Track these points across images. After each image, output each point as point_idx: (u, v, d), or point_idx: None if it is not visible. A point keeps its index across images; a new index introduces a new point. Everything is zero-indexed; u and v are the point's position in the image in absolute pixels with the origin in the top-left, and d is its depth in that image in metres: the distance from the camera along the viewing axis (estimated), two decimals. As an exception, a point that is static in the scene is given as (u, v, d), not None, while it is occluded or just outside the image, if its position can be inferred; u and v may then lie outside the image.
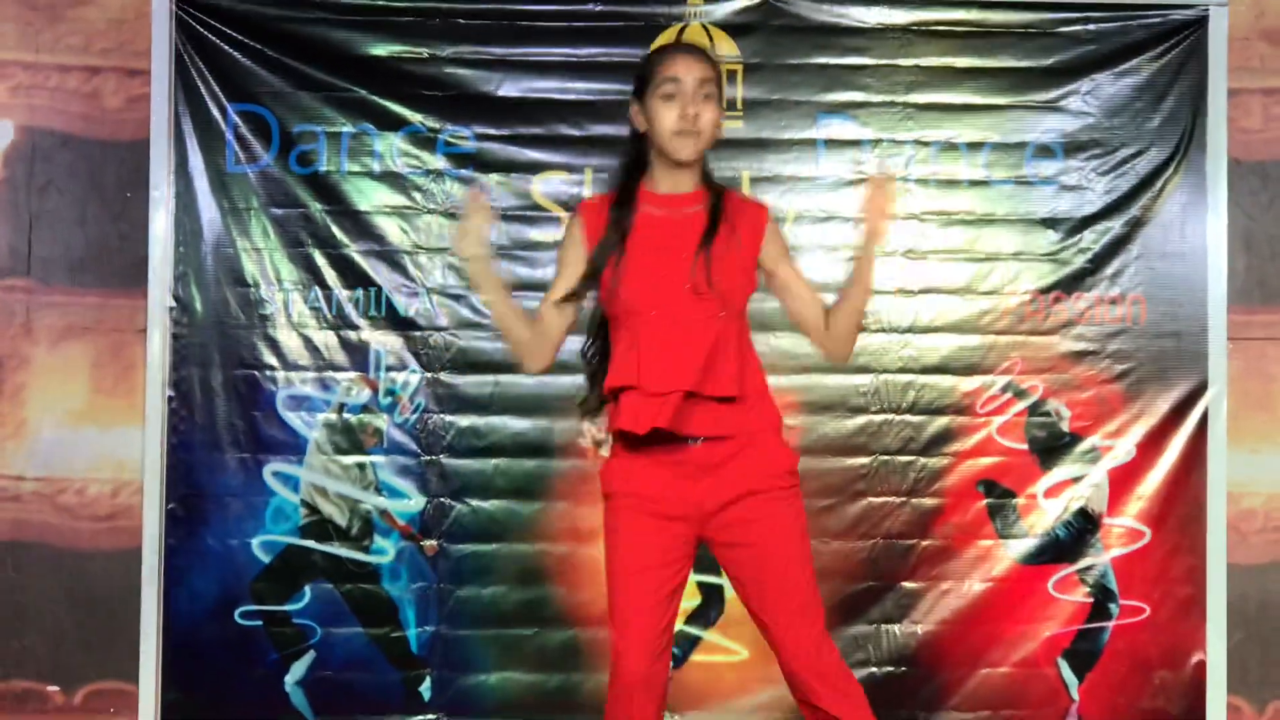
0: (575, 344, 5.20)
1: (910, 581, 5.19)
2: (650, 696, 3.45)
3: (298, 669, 5.11)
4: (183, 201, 5.12)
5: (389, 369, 5.14)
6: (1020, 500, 5.19)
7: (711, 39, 5.19)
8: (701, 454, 3.43)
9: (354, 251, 5.16)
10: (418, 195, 5.17)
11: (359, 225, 5.16)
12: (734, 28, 5.22)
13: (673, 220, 3.45)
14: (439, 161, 5.16)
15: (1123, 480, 5.19)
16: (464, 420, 5.15)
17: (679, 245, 3.42)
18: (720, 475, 3.43)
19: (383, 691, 5.12)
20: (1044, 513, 5.20)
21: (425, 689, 5.12)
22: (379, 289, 5.15)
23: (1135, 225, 5.22)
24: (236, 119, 5.13)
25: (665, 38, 5.15)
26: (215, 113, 5.14)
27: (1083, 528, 5.21)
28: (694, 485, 3.43)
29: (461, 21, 5.15)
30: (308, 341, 5.14)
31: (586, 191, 5.13)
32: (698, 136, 3.40)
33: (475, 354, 5.15)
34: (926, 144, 5.23)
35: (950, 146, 5.21)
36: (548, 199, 5.19)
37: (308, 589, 5.11)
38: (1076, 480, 5.20)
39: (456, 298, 5.15)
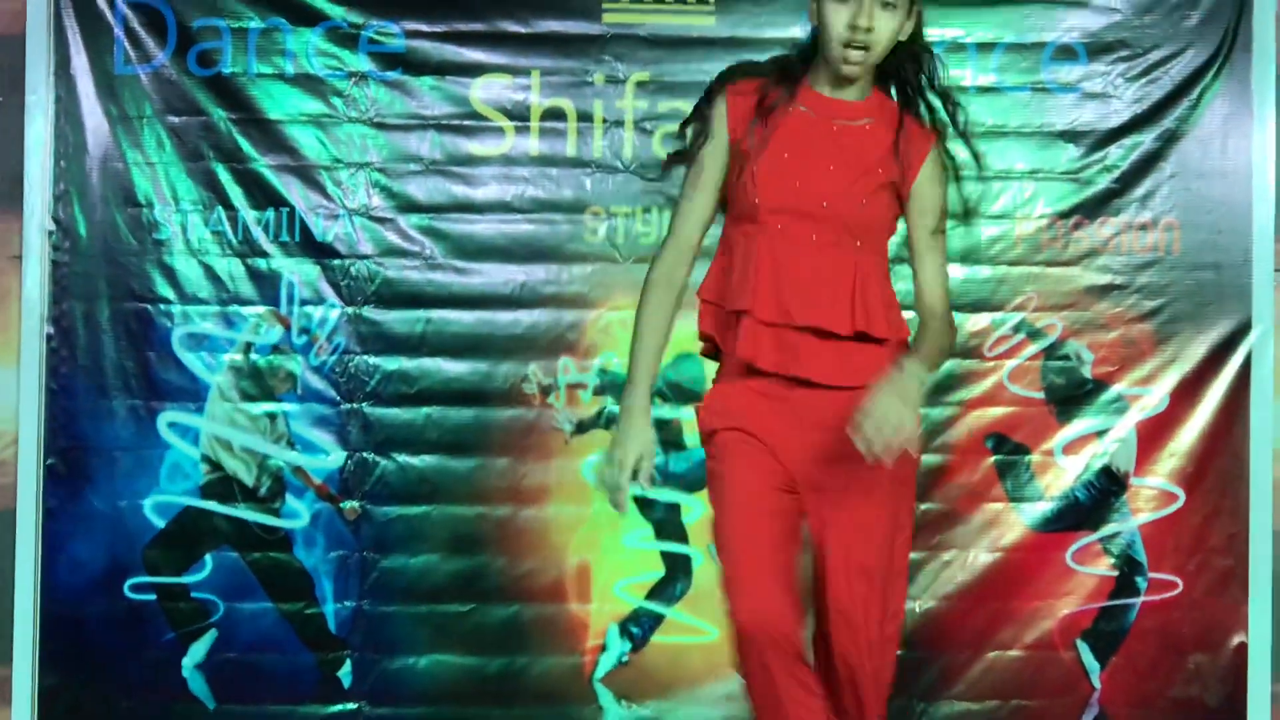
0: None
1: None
2: (790, 651, 3.10)
3: (197, 650, 4.91)
4: (64, 107, 4.94)
5: (303, 303, 4.94)
6: (1035, 457, 5.01)
7: (682, -78, 5.09)
8: (821, 401, 3.18)
9: (263, 166, 4.95)
10: (338, 101, 4.96)
11: (269, 136, 4.95)
12: (706, -90, 5.13)
13: (827, 127, 3.23)
14: (362, 63, 4.95)
15: (1153, 434, 5.02)
16: (390, 363, 4.95)
17: (827, 157, 3.21)
18: (835, 432, 3.13)
19: (295, 676, 4.93)
20: (1062, 472, 5.02)
21: (344, 673, 4.93)
22: (292, 210, 4.93)
23: (1169, 140, 5.03)
24: (126, 11, 4.91)
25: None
26: (102, 4, 4.92)
27: (1106, 489, 5.02)
28: (802, 436, 3.19)
29: (389, -101, 5.08)
30: (209, 270, 4.92)
31: (534, 98, 5.02)
32: (867, 52, 3.15)
33: (403, 286, 4.96)
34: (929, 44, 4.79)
35: (957, 47, 4.98)
36: (489, 106, 4.97)
37: (209, 558, 4.93)
38: (1100, 434, 5.01)
39: (381, 221, 4.96)
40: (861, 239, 3.20)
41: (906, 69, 3.27)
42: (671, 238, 3.32)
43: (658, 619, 4.96)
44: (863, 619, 3.19)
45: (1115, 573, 4.99)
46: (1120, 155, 4.98)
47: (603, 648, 4.90)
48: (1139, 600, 4.98)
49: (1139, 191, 4.98)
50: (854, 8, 3.12)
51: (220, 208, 4.89)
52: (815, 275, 3.15)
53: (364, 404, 4.90)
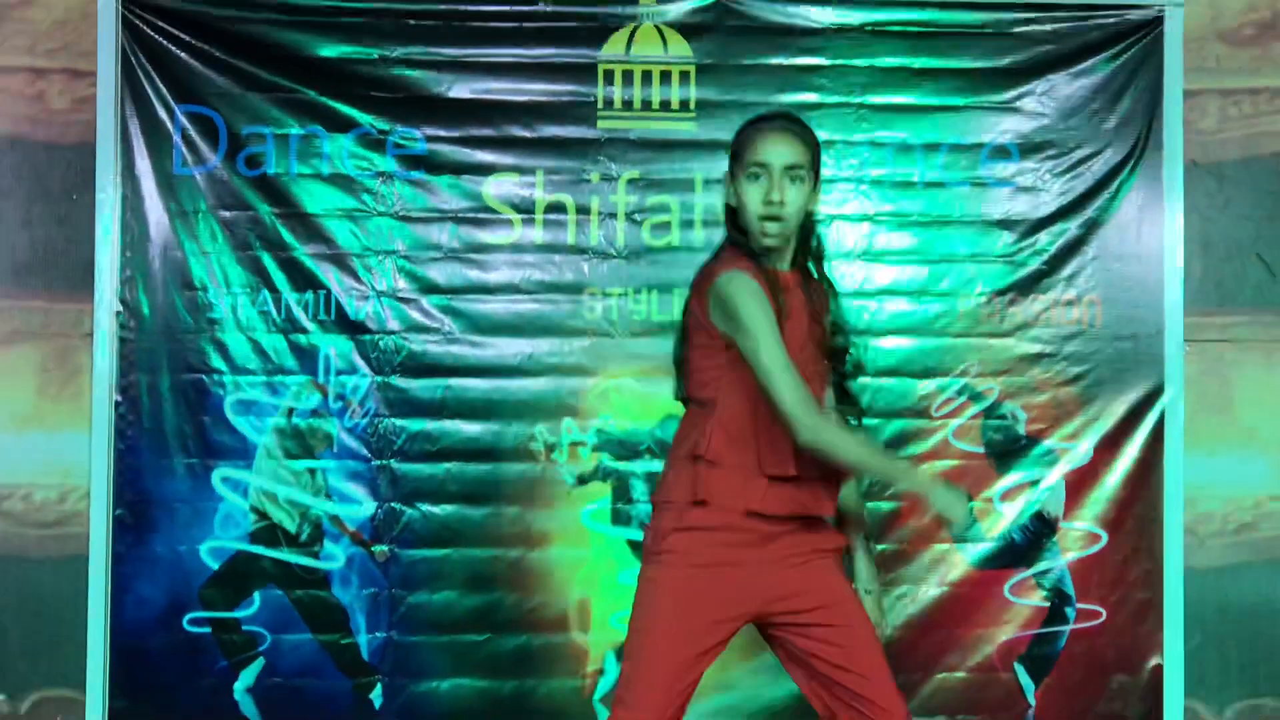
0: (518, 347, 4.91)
1: (865, 586, 5.13)
2: None
3: (247, 676, 5.05)
4: (129, 204, 5.07)
5: (339, 373, 5.09)
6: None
7: (664, 39, 5.19)
8: (814, 526, 3.41)
9: (303, 254, 5.11)
10: (368, 197, 5.12)
11: (308, 228, 5.11)
12: (687, 28, 5.19)
13: (791, 298, 3.39)
14: (389, 163, 5.12)
15: (1079, 484, 5.18)
16: (415, 424, 5.11)
17: (802, 321, 3.39)
18: (820, 554, 3.41)
19: (333, 699, 5.07)
20: (1000, 516, 5.18)
21: (376, 696, 5.08)
22: (328, 292, 5.10)
23: (1091, 227, 5.21)
24: (184, 120, 5.09)
25: (618, 40, 5.17)
26: (162, 114, 5.09)
27: (1039, 531, 5.19)
28: (793, 559, 3.36)
29: (411, 22, 5.12)
30: (256, 345, 5.09)
31: (539, 194, 5.13)
32: (782, 222, 3.33)
33: (426, 357, 5.12)
34: (881, 145, 5.22)
35: (906, 148, 5.19)
36: (499, 201, 5.15)
37: (257, 595, 5.07)
38: (1033, 484, 5.18)
39: (407, 301, 5.13)
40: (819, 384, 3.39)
41: (808, 238, 3.43)
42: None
43: (640, 644, 5.23)
44: (888, 674, 3.41)
45: (1047, 604, 5.12)
46: (1049, 241, 5.15)
47: (601, 672, 5.03)
48: (1068, 628, 5.12)
49: (1065, 272, 5.15)
50: (766, 184, 3.29)
51: (266, 290, 5.04)
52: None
53: (392, 460, 5.04)
